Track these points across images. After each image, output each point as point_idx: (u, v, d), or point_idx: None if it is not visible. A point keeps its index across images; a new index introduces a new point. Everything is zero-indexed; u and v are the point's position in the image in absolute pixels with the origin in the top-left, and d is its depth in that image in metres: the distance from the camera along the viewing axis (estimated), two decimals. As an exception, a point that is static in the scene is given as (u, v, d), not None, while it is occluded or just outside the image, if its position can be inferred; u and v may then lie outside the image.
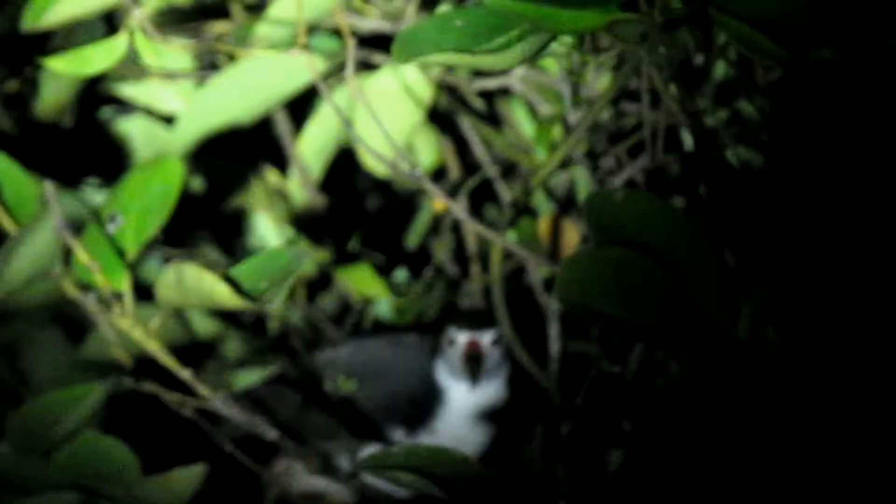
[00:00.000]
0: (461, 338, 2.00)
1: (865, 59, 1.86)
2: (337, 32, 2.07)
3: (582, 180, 2.10)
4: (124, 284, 1.81)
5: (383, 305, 2.20)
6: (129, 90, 2.16)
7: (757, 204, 1.98)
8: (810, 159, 1.96)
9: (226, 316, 2.09)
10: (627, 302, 1.71)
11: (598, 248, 1.71)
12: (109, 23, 2.10)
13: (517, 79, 2.09)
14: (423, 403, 2.04)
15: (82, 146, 2.18)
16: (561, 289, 1.68)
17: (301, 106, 2.13)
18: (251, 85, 2.05)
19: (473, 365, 1.99)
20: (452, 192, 2.10)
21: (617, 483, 2.12)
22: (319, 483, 2.03)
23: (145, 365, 1.84)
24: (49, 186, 1.79)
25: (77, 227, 1.81)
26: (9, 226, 1.83)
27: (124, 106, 2.18)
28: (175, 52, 2.10)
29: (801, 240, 1.97)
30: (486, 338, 2.00)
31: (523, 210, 2.11)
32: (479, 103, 2.17)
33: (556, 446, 2.09)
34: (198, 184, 2.21)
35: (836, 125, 1.93)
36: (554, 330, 2.06)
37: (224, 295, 1.77)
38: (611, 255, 1.71)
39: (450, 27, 1.78)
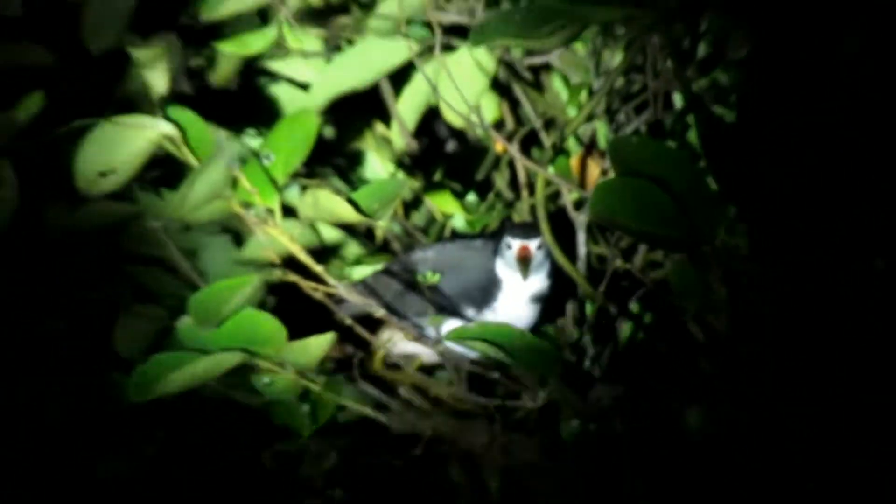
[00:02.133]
0: (515, 244, 1.96)
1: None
2: (427, 23, 2.09)
3: (602, 130, 2.09)
4: (275, 204, 1.83)
5: (458, 220, 2.19)
6: (277, 65, 2.15)
7: (730, 145, 1.92)
8: (770, 112, 1.92)
9: (346, 227, 2.05)
10: (639, 216, 1.71)
11: (620, 178, 1.72)
12: (263, 16, 2.07)
13: (556, 56, 2.10)
14: (487, 290, 2.00)
15: (245, 105, 2.18)
16: (593, 207, 1.70)
17: (400, 77, 2.09)
18: (365, 61, 2.05)
19: (524, 263, 1.95)
20: (509, 138, 2.10)
21: (627, 349, 2.09)
22: (414, 348, 2.01)
23: (289, 262, 1.83)
24: (221, 133, 1.90)
25: (241, 162, 1.82)
26: (192, 161, 1.84)
27: (274, 76, 2.17)
28: (310, 38, 2.11)
29: (763, 171, 1.91)
30: (533, 244, 1.95)
31: (559, 151, 2.08)
32: (528, 74, 2.16)
33: (584, 321, 2.06)
34: (328, 132, 2.21)
35: (789, 87, 1.89)
36: (581, 237, 2.04)
37: (347, 212, 1.81)
38: (629, 184, 1.71)
39: (510, 20, 1.77)
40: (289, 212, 1.87)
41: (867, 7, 1.78)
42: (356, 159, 2.20)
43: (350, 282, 1.93)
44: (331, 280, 1.82)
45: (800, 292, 1.88)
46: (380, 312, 1.86)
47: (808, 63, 1.87)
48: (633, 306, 2.08)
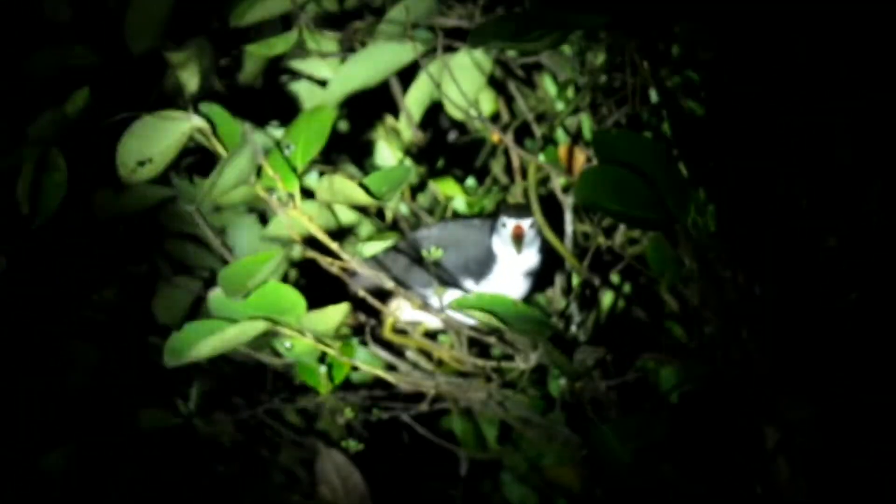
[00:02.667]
0: (510, 223, 1.96)
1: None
2: (431, 27, 2.01)
3: (586, 122, 2.07)
4: (295, 188, 1.80)
5: (459, 202, 2.16)
6: (297, 65, 2.12)
7: (699, 135, 1.93)
8: (734, 106, 1.91)
9: (359, 209, 2.03)
10: (620, 199, 1.70)
11: (602, 166, 1.72)
12: (285, 21, 2.02)
13: (546, 57, 2.07)
14: (485, 264, 2.00)
15: (268, 100, 2.15)
16: (579, 192, 1.71)
17: (407, 75, 2.07)
18: (376, 61, 2.00)
19: (518, 240, 1.96)
20: (504, 129, 2.07)
21: (609, 316, 2.10)
22: (419, 315, 2.00)
23: (308, 240, 1.81)
24: (247, 126, 1.89)
25: (265, 152, 1.80)
26: (221, 151, 1.81)
27: (295, 75, 2.14)
28: (327, 41, 2.06)
29: (728, 158, 1.91)
30: (526, 223, 1.96)
31: (549, 141, 2.09)
32: (520, 73, 2.14)
33: (571, 291, 2.07)
34: (343, 124, 2.19)
35: (751, 84, 1.89)
36: (568, 217, 2.05)
37: (359, 195, 1.81)
38: (610, 171, 1.71)
39: (505, 24, 1.75)
40: (308, 195, 1.84)
41: (818, 16, 1.77)
42: (368, 148, 2.18)
43: (362, 257, 1.87)
44: (345, 256, 1.83)
45: (761, 265, 1.88)
46: (389, 284, 1.87)
47: (768, 62, 1.85)
48: (614, 278, 2.08)
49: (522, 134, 2.11)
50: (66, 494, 1.92)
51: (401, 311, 2.00)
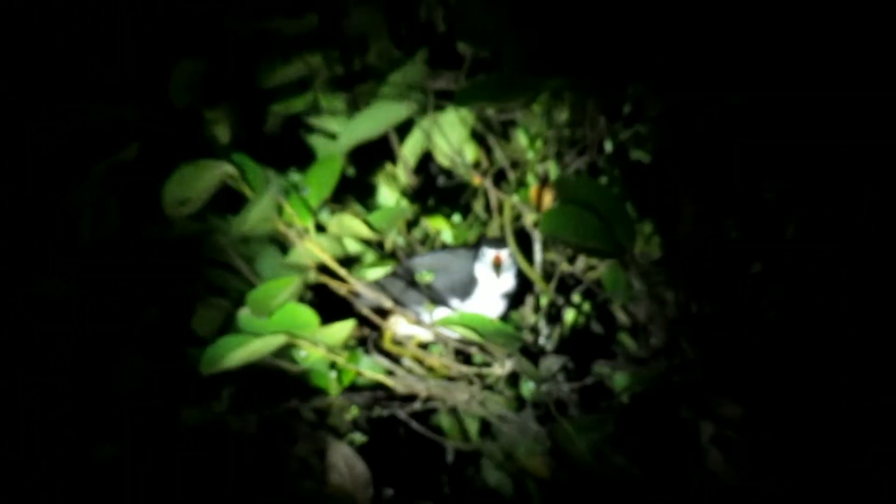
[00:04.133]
0: (489, 252, 1.93)
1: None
2: (423, 89, 1.99)
3: (552, 169, 2.06)
4: (310, 223, 1.84)
5: (447, 234, 2.13)
6: (312, 120, 2.09)
7: (646, 179, 1.96)
8: (676, 155, 1.90)
9: (363, 241, 1.97)
10: (577, 234, 1.70)
11: (564, 205, 1.72)
12: (302, 84, 2.03)
13: (519, 113, 2.06)
14: (468, 286, 1.96)
15: (288, 150, 2.12)
16: (544, 227, 1.72)
17: (404, 129, 2.04)
18: (377, 117, 1.95)
19: (496, 267, 1.93)
20: (484, 174, 2.07)
21: (571, 330, 2.06)
22: (413, 329, 1.97)
23: (320, 267, 1.84)
24: (269, 172, 1.84)
25: (285, 193, 1.83)
26: (248, 193, 1.84)
27: (310, 128, 2.11)
28: (337, 100, 2.05)
29: (670, 198, 1.92)
30: (503, 252, 1.93)
31: (521, 184, 2.08)
32: (498, 127, 2.10)
33: (539, 309, 2.04)
34: (350, 170, 2.16)
35: (688, 137, 1.89)
36: (537, 247, 2.03)
37: (363, 229, 1.85)
38: (571, 210, 1.71)
39: (485, 87, 1.77)
40: (320, 229, 1.87)
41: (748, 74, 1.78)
42: (370, 190, 2.16)
43: (366, 281, 1.93)
44: (351, 280, 1.85)
45: (698, 287, 1.87)
46: (388, 303, 1.88)
47: (703, 117, 1.85)
48: (575, 298, 2.08)
49: (499, 178, 2.10)
50: (115, 480, 1.91)
51: (398, 325, 1.98)
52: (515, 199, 2.02)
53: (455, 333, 1.85)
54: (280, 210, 1.81)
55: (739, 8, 1.77)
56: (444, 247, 2.12)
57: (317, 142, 2.13)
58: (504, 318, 1.99)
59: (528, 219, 2.02)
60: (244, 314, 1.81)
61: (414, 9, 2.13)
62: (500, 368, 1.91)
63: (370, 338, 1.99)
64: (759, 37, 1.77)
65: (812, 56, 1.78)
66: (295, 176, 2.03)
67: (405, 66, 2.00)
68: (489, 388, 1.94)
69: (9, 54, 2.04)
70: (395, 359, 1.99)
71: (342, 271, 1.83)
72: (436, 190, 2.19)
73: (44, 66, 2.03)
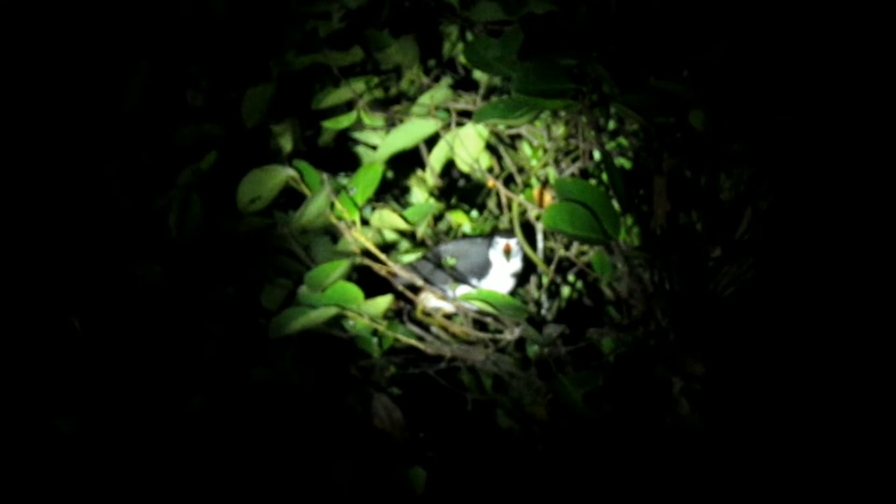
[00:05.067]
0: (501, 241, 1.96)
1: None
2: (447, 109, 2.01)
3: (552, 173, 2.06)
4: (356, 217, 1.83)
5: (467, 227, 2.14)
6: (357, 134, 2.10)
7: (628, 181, 1.95)
8: (653, 162, 1.89)
9: (399, 232, 2.00)
10: (572, 225, 1.70)
11: (561, 203, 1.72)
12: (349, 105, 2.02)
13: (524, 129, 2.06)
14: (484, 269, 1.97)
15: (338, 158, 2.15)
16: (545, 220, 1.71)
17: (431, 141, 2.03)
18: (410, 132, 1.97)
19: (507, 253, 1.95)
20: (496, 178, 2.06)
21: (567, 303, 2.10)
22: (440, 303, 1.98)
23: (365, 253, 1.84)
24: (324, 175, 1.82)
25: (336, 193, 1.82)
26: (307, 192, 1.84)
27: (356, 141, 2.14)
28: (377, 119, 2.04)
29: (648, 196, 1.91)
30: (512, 241, 1.95)
31: (527, 186, 2.09)
32: (507, 140, 2.11)
33: (541, 287, 2.06)
34: (388, 174, 2.17)
35: (663, 148, 1.88)
36: (540, 237, 2.04)
37: (400, 223, 1.88)
38: (567, 206, 1.72)
39: (497, 107, 1.76)
40: (364, 223, 1.87)
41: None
42: (405, 190, 2.17)
43: (401, 264, 1.93)
44: (390, 263, 1.84)
45: (669, 268, 1.88)
46: (420, 282, 1.89)
47: (674, 133, 1.85)
48: (571, 278, 2.09)
49: (509, 181, 2.11)
50: (205, 428, 1.92)
51: (427, 300, 1.99)
52: (522, 198, 2.02)
53: (473, 306, 1.86)
54: (332, 207, 1.81)
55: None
56: (465, 237, 2.13)
57: (361, 152, 2.15)
58: (513, 294, 1.99)
59: (532, 214, 2.03)
60: (303, 291, 1.81)
61: (440, 44, 2.13)
62: (510, 335, 1.93)
63: (405, 310, 2.00)
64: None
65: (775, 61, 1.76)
66: (344, 179, 1.94)
67: (432, 91, 2.01)
68: (501, 350, 1.96)
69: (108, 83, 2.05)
70: (425, 327, 1.99)
71: (382, 256, 1.84)
72: (457, 190, 2.20)
73: (149, 95, 2.04)
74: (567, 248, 2.03)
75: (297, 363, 1.95)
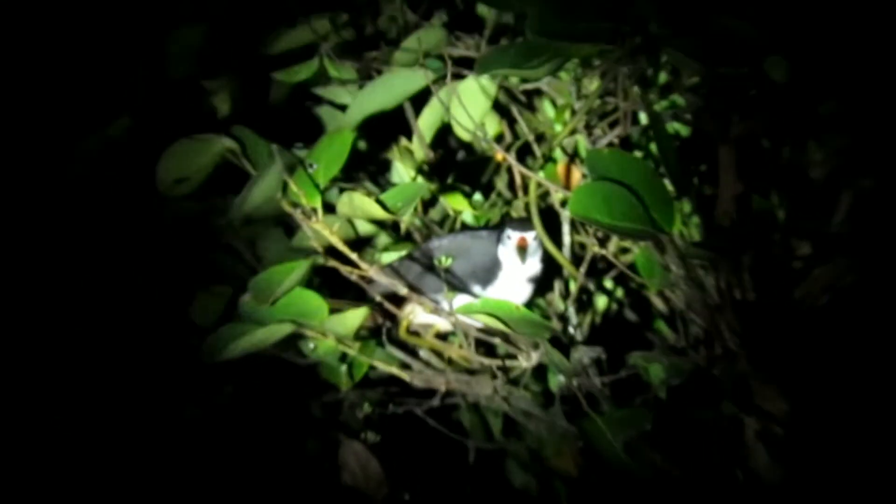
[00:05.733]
0: (514, 235, 1.94)
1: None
2: (441, 57, 2.00)
3: (582, 143, 2.08)
4: (317, 203, 1.80)
5: (467, 215, 2.14)
6: (320, 91, 2.09)
7: (684, 154, 1.97)
8: (716, 126, 1.92)
9: (376, 222, 2.02)
10: (611, 213, 1.70)
11: (595, 182, 1.71)
12: (309, 51, 2.03)
13: (545, 83, 2.06)
14: (491, 271, 1.96)
15: (293, 123, 2.14)
16: (573, 206, 1.69)
17: (420, 100, 2.04)
18: (391, 87, 1.97)
19: (521, 251, 1.93)
20: (507, 149, 2.07)
21: (603, 318, 2.11)
22: (431, 318, 1.99)
23: (330, 250, 1.82)
24: (274, 146, 1.80)
25: (290, 170, 1.80)
26: (251, 170, 1.83)
27: (317, 100, 2.12)
28: (346, 69, 2.05)
29: (710, 174, 1.94)
30: (529, 235, 1.93)
31: (548, 160, 2.09)
32: (522, 98, 2.13)
33: (568, 296, 2.07)
34: (361, 144, 2.17)
35: (730, 107, 1.92)
36: (566, 229, 2.05)
37: (376, 210, 1.80)
38: (602, 187, 1.71)
39: (508, 54, 1.75)
40: (329, 209, 1.82)
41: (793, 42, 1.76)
42: (384, 167, 2.16)
43: (380, 265, 1.93)
44: (363, 264, 1.81)
45: (741, 271, 1.89)
46: (403, 290, 1.86)
47: (746, 88, 1.86)
48: (607, 284, 2.10)
49: (524, 153, 2.10)
50: (115, 481, 1.94)
51: (414, 314, 1.98)
52: (541, 175, 2.02)
53: (477, 322, 1.84)
54: (285, 188, 1.79)
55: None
56: (465, 228, 2.13)
57: (325, 114, 2.14)
58: (530, 305, 1.98)
59: (556, 197, 2.03)
60: (246, 301, 1.80)
61: (431, -34, 2.12)
62: (526, 360, 1.92)
63: (384, 327, 1.99)
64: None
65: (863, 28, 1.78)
66: (301, 151, 1.93)
67: (421, 32, 1.98)
68: (514, 381, 1.95)
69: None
70: (411, 350, 1.99)
71: (353, 255, 1.81)
72: (455, 166, 2.19)
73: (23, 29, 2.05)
74: (603, 243, 2.02)
75: (240, 399, 1.96)
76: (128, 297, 2.03)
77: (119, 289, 2.03)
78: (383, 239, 2.08)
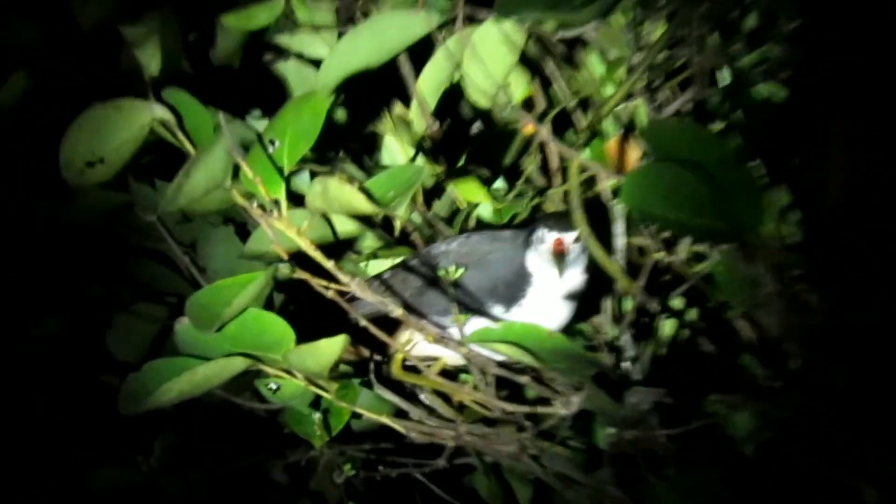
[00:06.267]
0: (549, 237, 1.92)
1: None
2: None
3: (641, 110, 2.06)
4: (281, 194, 1.79)
5: (485, 209, 2.14)
6: (285, 40, 2.11)
7: (781, 127, 1.95)
8: (827, 90, 1.92)
9: (361, 219, 1.96)
10: (678, 207, 1.67)
11: (656, 164, 1.69)
12: None
13: (592, 29, 2.04)
14: (517, 286, 1.94)
15: (248, 85, 2.14)
16: (626, 196, 1.67)
17: (420, 52, 2.02)
18: (381, 35, 1.96)
19: (559, 259, 1.91)
20: (539, 119, 2.07)
21: (670, 349, 2.09)
22: (435, 350, 1.96)
23: (297, 258, 1.79)
24: (222, 116, 1.77)
25: (244, 149, 1.80)
26: (189, 148, 1.83)
27: (281, 53, 2.13)
28: (321, 10, 2.07)
29: (819, 155, 1.94)
30: (569, 237, 1.92)
31: (595, 134, 2.08)
32: (560, 49, 2.09)
33: (622, 318, 2.04)
34: (340, 114, 2.15)
35: (848, 62, 1.90)
36: (619, 227, 2.02)
37: (360, 202, 1.80)
38: (666, 170, 1.68)
39: None
40: (297, 201, 1.83)
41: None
42: (372, 143, 2.16)
43: (365, 278, 1.93)
44: (343, 276, 1.77)
45: (857, 286, 1.89)
46: (398, 311, 1.81)
47: (870, 35, 1.86)
48: (676, 302, 2.08)
49: (562, 125, 2.09)
50: None
51: (412, 344, 1.99)
52: (586, 155, 2.02)
53: (497, 355, 1.84)
54: (236, 173, 1.78)
55: None
56: (481, 227, 2.13)
57: (291, 73, 2.14)
58: (569, 331, 1.97)
59: (605, 185, 2.02)
60: (184, 327, 1.80)
61: None
62: (564, 407, 1.89)
63: (371, 362, 2.00)
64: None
65: None
66: (259, 123, 2.06)
67: None
68: (548, 435, 1.96)
69: None
70: (408, 393, 2.00)
71: (329, 264, 1.77)
72: (468, 143, 2.17)
73: None
74: (668, 247, 2.03)
75: (175, 459, 2.00)
76: (17, 323, 2.09)
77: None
78: (370, 241, 2.05)
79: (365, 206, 1.80)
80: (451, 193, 2.14)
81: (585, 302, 2.00)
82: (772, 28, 1.98)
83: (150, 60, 1.99)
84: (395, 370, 2.00)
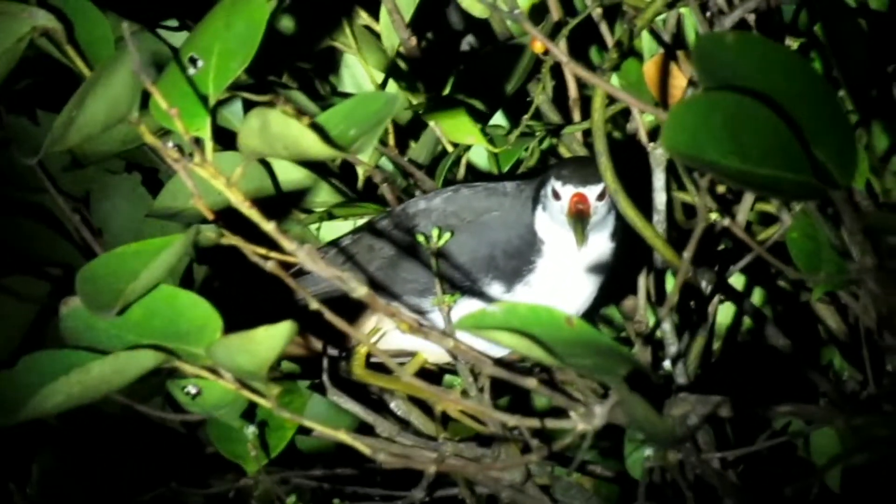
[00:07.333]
0: (566, 192, 1.97)
1: None
2: None
3: (690, 21, 2.12)
4: (205, 131, 1.80)
5: (479, 153, 2.22)
6: None
7: (876, 45, 2.00)
8: None
9: (313, 165, 2.06)
10: (740, 151, 1.66)
11: (709, 93, 1.67)
12: None
13: None
14: (521, 256, 2.01)
15: None
16: (669, 137, 1.65)
17: None
18: None
19: (580, 220, 1.96)
20: (553, 34, 2.11)
21: (727, 343, 2.17)
22: (412, 342, 2.02)
23: (225, 216, 1.76)
24: (126, 27, 1.76)
25: (156, 70, 1.86)
26: (83, 68, 1.88)
27: None
28: None
29: None
30: (592, 192, 1.97)
31: (628, 52, 2.11)
32: None
33: (663, 301, 2.10)
34: (287, 23, 2.19)
35: None
36: (659, 180, 2.04)
37: (311, 143, 1.77)
38: (722, 102, 1.66)
39: None
40: (227, 142, 1.86)
41: None
42: (328, 64, 2.22)
43: (317, 245, 1.97)
44: (288, 243, 1.69)
45: None
46: (361, 290, 1.71)
47: None
48: (736, 280, 2.14)
49: (583, 41, 2.17)
50: None
51: (381, 334, 2.03)
52: (615, 82, 2.08)
53: (495, 349, 1.90)
54: (145, 102, 1.81)
55: None
56: (475, 178, 2.19)
57: None
58: (592, 317, 2.06)
59: (642, 122, 2.08)
60: (73, 310, 1.79)
61: None
62: (585, 420, 1.78)
63: (325, 357, 2.01)
64: None
65: None
66: (176, 36, 2.10)
67: None
68: (562, 459, 1.98)
69: None
70: (374, 400, 2.05)
71: (269, 226, 1.70)
72: (456, 63, 2.22)
73: None
74: (726, 206, 2.08)
75: (59, 486, 2.04)
76: None
77: None
78: (324, 197, 2.13)
79: (318, 147, 1.76)
80: (434, 132, 2.18)
81: (614, 278, 2.04)
82: None
83: (31, -53, 2.01)
84: (358, 369, 2.03)
